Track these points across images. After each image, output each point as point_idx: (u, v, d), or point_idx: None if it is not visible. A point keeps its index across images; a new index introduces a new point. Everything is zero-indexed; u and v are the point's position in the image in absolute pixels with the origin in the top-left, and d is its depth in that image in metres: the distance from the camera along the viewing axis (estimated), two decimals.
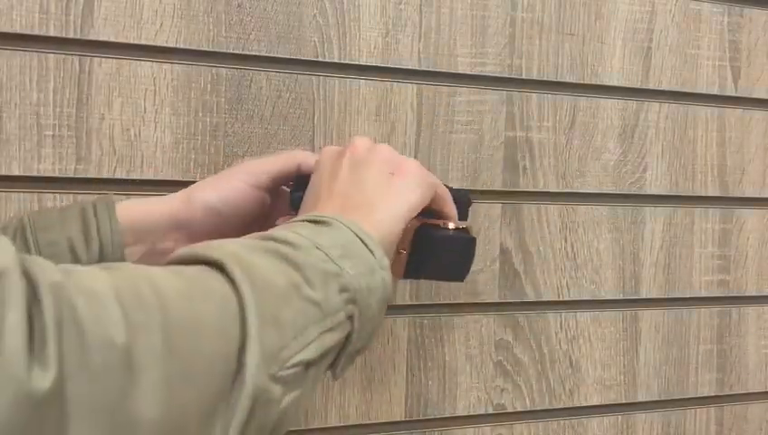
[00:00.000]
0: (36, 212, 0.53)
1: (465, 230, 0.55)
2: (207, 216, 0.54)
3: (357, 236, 0.45)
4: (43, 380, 0.28)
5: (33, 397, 0.27)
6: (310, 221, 0.46)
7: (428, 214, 0.54)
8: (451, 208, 0.56)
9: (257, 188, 0.56)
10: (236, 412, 0.35)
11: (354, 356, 0.46)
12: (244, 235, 0.46)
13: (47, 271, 0.31)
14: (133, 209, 0.53)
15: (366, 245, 0.45)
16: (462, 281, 0.57)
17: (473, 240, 0.55)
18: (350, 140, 0.53)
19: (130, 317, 0.32)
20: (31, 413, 0.27)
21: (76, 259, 0.51)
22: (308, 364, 0.40)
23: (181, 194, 0.55)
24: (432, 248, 0.54)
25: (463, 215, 0.59)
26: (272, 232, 0.44)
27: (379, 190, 0.50)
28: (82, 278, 0.32)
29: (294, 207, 0.57)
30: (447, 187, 0.58)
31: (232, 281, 0.37)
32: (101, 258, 0.51)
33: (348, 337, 0.43)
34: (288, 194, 0.58)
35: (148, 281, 0.34)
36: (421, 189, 0.52)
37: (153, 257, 0.53)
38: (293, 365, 0.38)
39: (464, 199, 0.60)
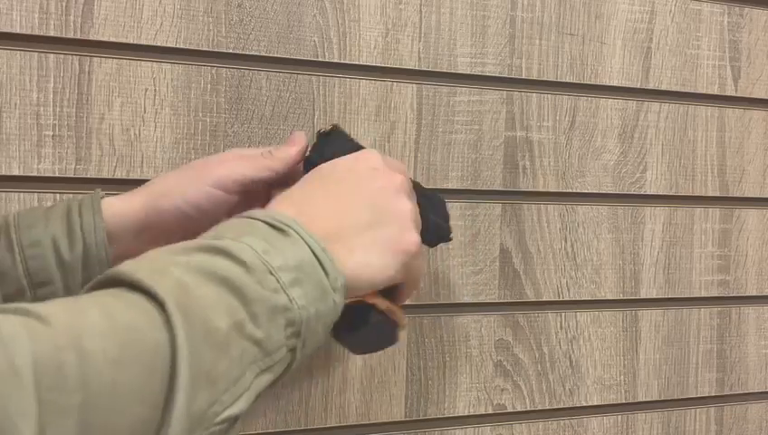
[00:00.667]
0: (23, 211, 0.52)
1: (393, 314, 0.53)
2: (177, 218, 0.53)
3: (314, 254, 0.42)
4: None
5: None
6: (270, 225, 0.43)
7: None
8: (403, 298, 0.53)
9: (227, 194, 0.54)
10: None
11: (284, 377, 0.44)
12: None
13: None
14: (114, 208, 0.53)
15: (322, 265, 0.42)
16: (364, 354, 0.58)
17: (395, 327, 0.54)
18: (366, 153, 0.52)
19: (44, 398, 0.30)
20: None
21: (60, 259, 0.50)
22: (237, 417, 0.38)
23: (145, 197, 0.53)
24: (360, 328, 0.52)
25: (429, 243, 0.58)
26: (227, 240, 0.41)
27: (363, 229, 0.47)
28: (7, 345, 0.30)
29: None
30: (423, 188, 0.56)
31: (170, 328, 0.35)
32: (86, 257, 0.50)
33: (287, 367, 0.41)
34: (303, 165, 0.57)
35: (75, 350, 0.32)
36: (403, 273, 0.48)
37: (128, 255, 0.53)
38: (222, 422, 0.36)
39: (442, 232, 0.58)
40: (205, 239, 0.41)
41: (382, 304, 0.52)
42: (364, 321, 0.51)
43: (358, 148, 0.55)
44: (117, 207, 0.53)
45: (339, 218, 0.47)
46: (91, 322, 0.33)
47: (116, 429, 0.32)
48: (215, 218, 0.53)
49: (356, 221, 0.47)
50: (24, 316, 0.32)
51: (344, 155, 0.52)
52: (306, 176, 0.51)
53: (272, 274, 0.40)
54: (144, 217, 0.53)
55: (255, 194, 0.56)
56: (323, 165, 0.51)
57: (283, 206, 0.47)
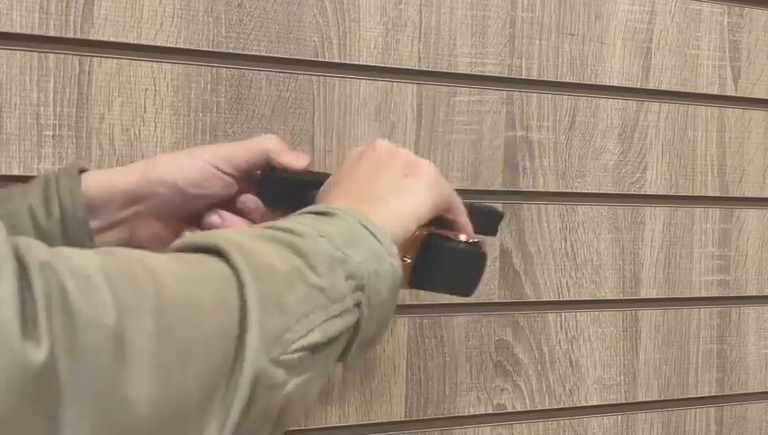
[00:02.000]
0: (3, 188, 0.53)
1: (477, 245, 0.53)
2: (169, 193, 0.54)
3: (363, 225, 0.44)
4: (37, 354, 0.28)
5: (28, 369, 0.27)
6: (313, 213, 0.45)
7: (441, 224, 0.53)
8: (465, 220, 0.55)
9: (223, 172, 0.55)
10: (237, 396, 0.34)
11: (367, 345, 0.45)
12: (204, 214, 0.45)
13: (38, 253, 0.30)
14: (99, 179, 0.53)
15: (373, 234, 0.44)
16: (469, 296, 0.55)
17: (483, 255, 0.54)
18: (373, 142, 0.54)
19: (120, 299, 0.31)
20: (25, 386, 0.27)
21: (38, 226, 0.50)
22: (314, 349, 0.39)
23: (141, 167, 0.54)
24: (439, 259, 0.52)
25: (490, 229, 0.59)
26: (272, 223, 0.43)
27: (390, 187, 0.50)
28: (73, 260, 0.32)
29: (265, 198, 0.56)
30: (475, 204, 0.58)
31: (233, 266, 0.37)
32: (64, 223, 0.51)
33: (357, 324, 0.43)
34: (258, 180, 0.58)
35: (142, 264, 0.34)
36: (432, 191, 0.51)
37: (112, 228, 0.53)
38: (297, 350, 0.37)
39: (492, 215, 0.59)
40: (258, 225, 0.44)
41: (442, 231, 0.53)
42: (437, 250, 0.52)
43: (314, 177, 0.57)
44: (103, 177, 0.53)
45: (371, 189, 0.50)
46: (152, 255, 0.36)
47: (195, 334, 0.34)
48: (209, 199, 0.55)
49: (384, 184, 0.50)
50: (90, 250, 0.34)
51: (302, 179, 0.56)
52: (334, 175, 0.54)
53: (323, 237, 0.42)
54: (135, 189, 0.53)
55: (249, 184, 0.57)
56: (344, 165, 0.54)
57: (327, 201, 0.49)
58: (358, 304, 0.42)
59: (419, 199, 0.50)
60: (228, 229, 0.41)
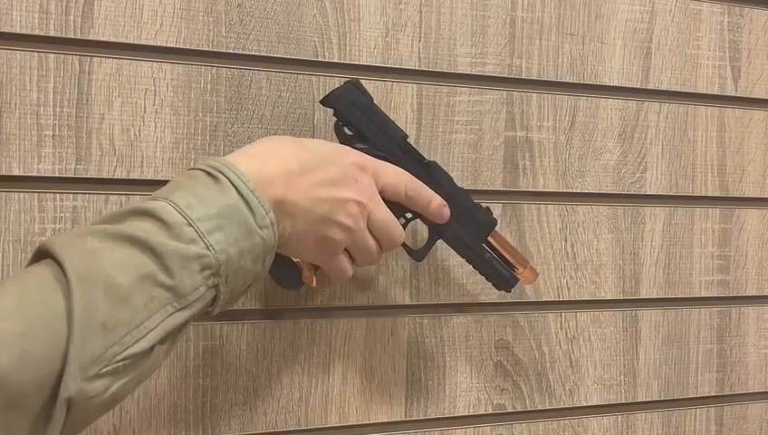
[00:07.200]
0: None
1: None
2: None
3: (242, 196, 0.49)
4: None
5: None
6: (206, 172, 0.49)
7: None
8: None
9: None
10: (53, 421, 0.41)
11: (231, 301, 0.51)
12: None
13: None
14: None
15: (249, 205, 0.49)
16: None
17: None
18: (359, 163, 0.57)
19: None
20: None
21: None
22: (144, 352, 0.45)
23: None
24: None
25: (478, 237, 0.65)
26: (156, 201, 0.47)
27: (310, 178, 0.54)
28: None
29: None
30: (478, 204, 0.65)
31: (68, 292, 0.42)
32: None
33: (214, 299, 0.49)
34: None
35: None
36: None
37: None
38: (123, 359, 0.44)
39: (483, 221, 0.65)
40: (140, 202, 0.48)
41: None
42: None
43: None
44: None
45: (292, 165, 0.53)
46: (4, 304, 0.41)
47: (28, 384, 0.40)
48: None
49: (310, 197, 0.54)
50: None
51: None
52: (295, 139, 0.57)
53: (190, 225, 0.47)
54: None
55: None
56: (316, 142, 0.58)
57: (238, 154, 0.53)
58: (214, 286, 0.48)
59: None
60: (89, 231, 0.46)
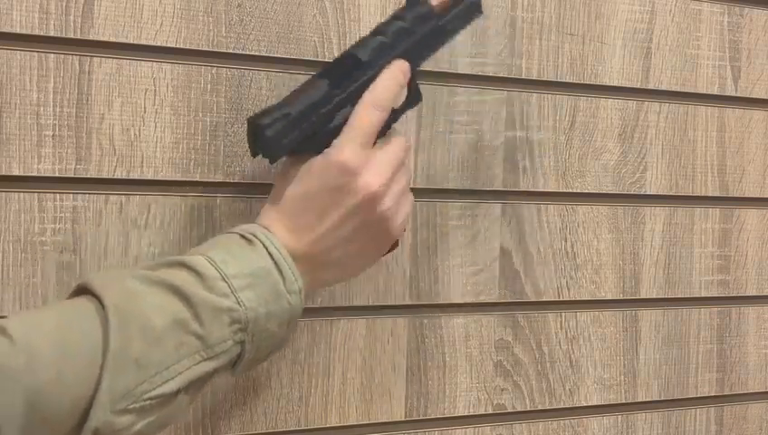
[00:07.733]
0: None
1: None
2: None
3: (275, 262, 0.51)
4: None
5: None
6: (242, 236, 0.52)
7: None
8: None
9: None
10: None
11: (253, 364, 0.53)
12: None
13: None
14: None
15: (281, 272, 0.51)
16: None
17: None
18: (367, 172, 0.55)
19: None
20: None
21: None
22: (173, 394, 0.47)
23: None
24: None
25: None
26: (192, 256, 0.50)
27: (339, 245, 0.55)
28: None
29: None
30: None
31: (105, 327, 0.45)
32: None
33: (239, 356, 0.50)
34: None
35: (26, 351, 0.42)
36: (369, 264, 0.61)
37: None
38: (151, 398, 0.46)
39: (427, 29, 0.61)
40: (179, 256, 0.51)
41: None
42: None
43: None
44: None
45: (318, 231, 0.54)
46: (46, 328, 0.44)
47: (60, 405, 0.43)
48: None
49: (334, 235, 0.55)
50: None
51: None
52: (297, 181, 0.55)
53: (224, 280, 0.49)
54: None
55: None
56: (328, 167, 0.55)
57: (268, 215, 0.55)
58: (240, 342, 0.50)
59: (353, 272, 0.60)
60: (129, 274, 0.49)
